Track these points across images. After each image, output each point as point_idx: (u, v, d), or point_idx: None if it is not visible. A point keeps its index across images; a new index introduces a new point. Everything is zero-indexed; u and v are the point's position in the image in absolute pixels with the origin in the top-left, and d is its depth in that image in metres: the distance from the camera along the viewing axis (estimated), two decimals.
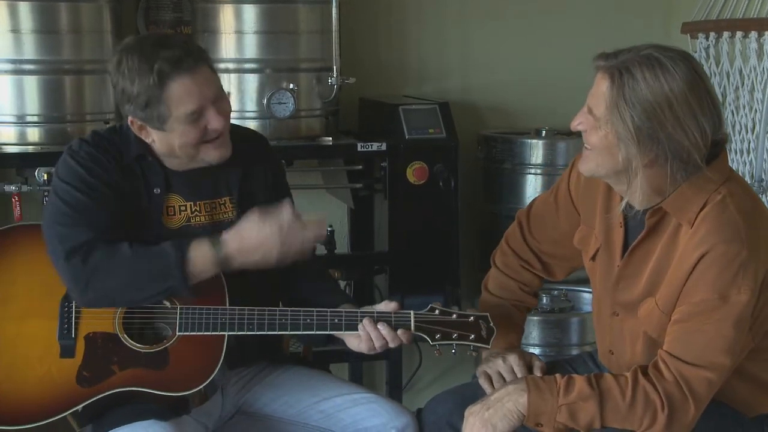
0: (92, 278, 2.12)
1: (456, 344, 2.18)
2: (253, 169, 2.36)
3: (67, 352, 2.18)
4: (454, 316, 2.17)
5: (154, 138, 2.22)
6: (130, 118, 2.22)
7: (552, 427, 2.00)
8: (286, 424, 2.37)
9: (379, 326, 2.17)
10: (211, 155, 2.24)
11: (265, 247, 2.15)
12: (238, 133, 2.32)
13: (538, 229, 2.35)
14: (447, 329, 2.17)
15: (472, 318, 2.18)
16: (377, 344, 2.18)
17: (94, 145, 2.25)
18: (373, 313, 2.20)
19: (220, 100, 2.21)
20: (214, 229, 2.24)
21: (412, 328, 2.17)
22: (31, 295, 2.20)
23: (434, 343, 2.18)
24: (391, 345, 2.19)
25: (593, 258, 2.21)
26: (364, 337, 2.18)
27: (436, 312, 2.18)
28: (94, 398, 2.17)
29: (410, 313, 2.18)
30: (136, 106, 2.17)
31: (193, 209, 2.30)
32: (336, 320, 2.19)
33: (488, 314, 2.18)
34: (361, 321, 2.18)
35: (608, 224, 2.16)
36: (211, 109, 2.18)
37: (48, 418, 2.16)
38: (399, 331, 2.17)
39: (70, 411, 2.17)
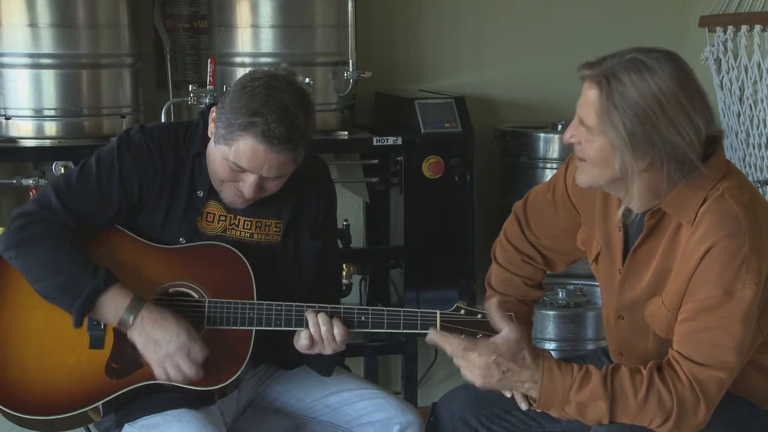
0: (19, 245, 2.14)
1: None
2: (308, 200, 2.35)
3: (96, 343, 2.19)
4: (479, 316, 2.16)
5: (211, 135, 2.22)
6: (214, 108, 2.22)
7: (559, 414, 2.01)
8: (294, 418, 2.38)
9: (319, 317, 2.17)
10: (227, 196, 2.24)
11: (158, 352, 2.13)
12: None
13: (536, 225, 2.33)
14: (472, 329, 2.16)
15: None
16: (314, 335, 2.17)
17: (151, 138, 2.25)
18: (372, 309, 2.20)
19: (271, 180, 2.19)
20: (247, 247, 2.25)
21: (438, 327, 2.16)
22: None
23: None
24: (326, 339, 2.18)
25: (596, 260, 2.21)
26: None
27: (462, 312, 2.18)
28: (122, 390, 2.18)
29: (436, 313, 2.18)
30: (223, 110, 2.16)
31: (232, 222, 2.30)
32: (363, 318, 2.19)
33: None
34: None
35: (607, 229, 2.15)
36: (254, 179, 2.17)
37: (77, 409, 2.17)
38: (334, 320, 2.17)
39: (98, 402, 2.17)
